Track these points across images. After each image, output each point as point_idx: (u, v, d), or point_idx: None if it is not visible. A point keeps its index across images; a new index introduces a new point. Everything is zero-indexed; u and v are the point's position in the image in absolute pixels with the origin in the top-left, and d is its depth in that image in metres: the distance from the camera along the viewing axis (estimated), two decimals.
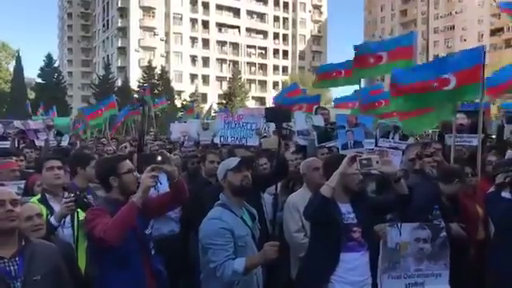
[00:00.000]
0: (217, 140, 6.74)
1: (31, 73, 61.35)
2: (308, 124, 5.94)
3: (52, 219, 3.13)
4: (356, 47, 6.49)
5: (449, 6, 66.90)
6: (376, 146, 5.37)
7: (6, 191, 2.22)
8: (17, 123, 9.31)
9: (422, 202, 3.55)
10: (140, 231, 2.82)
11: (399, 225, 3.20)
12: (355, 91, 8.98)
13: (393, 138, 5.51)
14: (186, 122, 9.49)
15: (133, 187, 2.86)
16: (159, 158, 2.85)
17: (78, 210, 3.25)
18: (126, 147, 7.32)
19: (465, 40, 64.63)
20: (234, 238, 2.77)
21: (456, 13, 66.07)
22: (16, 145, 8.30)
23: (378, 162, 2.80)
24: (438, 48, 65.57)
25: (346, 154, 2.98)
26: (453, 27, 66.63)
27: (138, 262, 2.78)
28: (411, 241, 3.21)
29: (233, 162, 3.00)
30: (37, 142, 8.82)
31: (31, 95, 50.14)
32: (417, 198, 3.32)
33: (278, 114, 3.03)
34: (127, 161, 2.99)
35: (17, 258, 2.12)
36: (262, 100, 67.94)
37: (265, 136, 7.07)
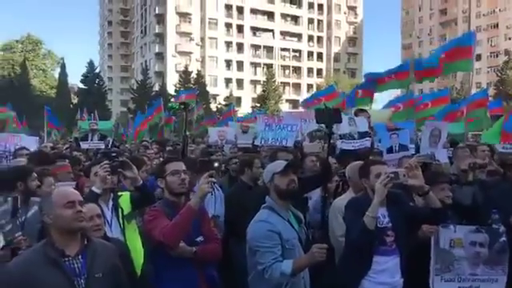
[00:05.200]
0: (258, 142, 6.79)
1: (74, 79, 64.12)
2: (351, 127, 5.83)
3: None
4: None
5: (491, 4, 64.07)
6: (417, 152, 5.24)
7: (75, 192, 2.33)
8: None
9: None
10: (192, 237, 2.88)
11: (454, 226, 3.15)
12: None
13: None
14: (227, 126, 9.62)
15: (177, 188, 2.95)
16: (216, 165, 2.90)
17: (122, 207, 3.35)
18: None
19: (509, 38, 61.77)
20: (281, 240, 2.78)
21: (500, 10, 63.18)
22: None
23: (404, 176, 3.00)
24: (482, 47, 62.89)
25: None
26: (496, 25, 63.76)
27: (190, 265, 2.85)
28: (466, 243, 3.15)
29: (280, 165, 3.00)
30: (82, 146, 9.20)
31: (74, 100, 52.43)
32: None
33: (329, 116, 2.99)
34: (175, 162, 3.08)
35: (80, 257, 2.21)
36: (295, 103, 67.67)
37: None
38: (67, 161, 5.60)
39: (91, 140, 9.59)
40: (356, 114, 6.67)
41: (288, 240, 2.81)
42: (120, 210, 3.39)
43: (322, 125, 6.64)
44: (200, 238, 2.95)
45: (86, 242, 2.26)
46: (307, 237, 3.19)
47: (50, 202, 2.24)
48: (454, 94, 34.25)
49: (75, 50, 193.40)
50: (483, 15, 65.06)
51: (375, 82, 8.39)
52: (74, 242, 2.23)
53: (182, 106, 5.64)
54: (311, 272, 3.07)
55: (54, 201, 2.23)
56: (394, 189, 3.17)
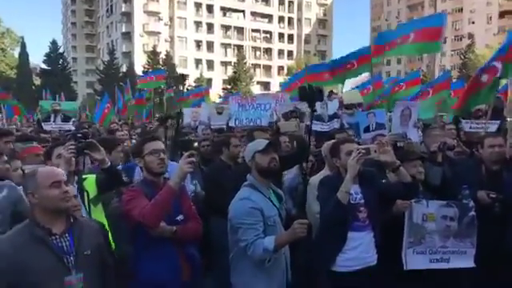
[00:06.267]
0: (232, 123, 6.77)
1: (36, 59, 61.28)
2: (323, 110, 5.91)
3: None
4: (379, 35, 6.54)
5: None
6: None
7: (60, 172, 2.28)
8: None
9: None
10: (172, 216, 2.86)
11: (426, 201, 3.28)
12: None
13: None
14: (199, 107, 9.53)
15: (157, 168, 2.91)
16: (195, 144, 2.87)
17: (88, 190, 3.24)
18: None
19: (473, 23, 63.64)
20: (263, 217, 2.82)
21: None
22: None
23: (375, 151, 3.09)
24: (446, 31, 64.21)
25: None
26: (461, 9, 65.50)
27: (171, 244, 2.84)
28: (438, 216, 3.28)
29: (261, 143, 3.02)
30: (45, 127, 8.84)
31: (36, 81, 50.27)
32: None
33: (312, 94, 3.04)
34: (154, 142, 3.02)
35: (66, 235, 2.20)
36: (266, 85, 67.59)
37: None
38: (34, 143, 5.39)
39: (54, 121, 9.22)
40: (329, 95, 6.77)
41: (269, 217, 2.85)
42: (86, 193, 3.25)
43: (297, 105, 6.74)
44: (180, 217, 2.92)
45: (71, 221, 2.25)
46: (287, 213, 3.25)
47: (35, 182, 2.18)
48: (421, 77, 35.10)
49: (36, 29, 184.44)
50: None
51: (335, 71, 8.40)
52: (60, 220, 2.21)
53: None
54: (290, 248, 3.13)
55: (39, 181, 2.17)
56: (366, 167, 3.27)
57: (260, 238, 2.72)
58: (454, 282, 3.67)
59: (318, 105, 6.03)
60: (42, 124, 9.22)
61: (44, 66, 50.13)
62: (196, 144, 2.98)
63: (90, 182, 3.30)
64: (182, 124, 8.34)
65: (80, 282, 2.16)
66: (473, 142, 5.23)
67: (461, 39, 63.24)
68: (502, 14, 61.29)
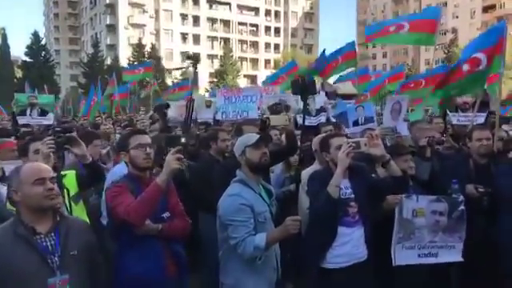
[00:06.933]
0: (218, 116, 6.69)
1: (16, 51, 59.74)
2: (311, 103, 5.88)
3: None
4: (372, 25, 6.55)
5: None
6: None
7: (46, 168, 2.16)
8: None
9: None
10: (158, 214, 2.76)
11: (416, 196, 3.25)
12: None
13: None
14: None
15: (143, 163, 2.80)
16: (183, 140, 2.78)
17: (68, 187, 3.08)
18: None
19: (457, 17, 64.41)
20: (253, 214, 2.75)
21: None
22: None
23: (365, 145, 3.06)
24: None
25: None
26: (445, 4, 66.12)
27: (156, 242, 2.74)
28: (427, 211, 3.26)
29: (252, 138, 2.94)
30: (20, 121, 8.57)
31: (18, 74, 49.11)
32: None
33: (305, 87, 2.98)
34: (139, 135, 2.91)
35: (52, 234, 2.11)
36: (253, 78, 67.40)
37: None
38: (13, 138, 5.24)
39: (30, 115, 8.93)
40: (323, 85, 6.76)
41: (260, 213, 2.78)
42: (66, 190, 3.08)
43: (282, 98, 6.71)
44: (166, 214, 2.82)
45: (58, 219, 2.15)
46: (276, 210, 3.18)
47: (18, 178, 2.08)
48: (405, 71, 35.45)
49: (17, 21, 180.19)
50: None
51: (324, 71, 8.30)
52: (46, 219, 2.11)
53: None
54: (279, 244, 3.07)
55: (21, 177, 2.07)
56: (356, 161, 3.23)
57: (251, 236, 2.65)
58: (442, 274, 3.69)
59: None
60: (17, 118, 8.92)
61: (25, 59, 48.95)
62: (183, 140, 2.87)
63: (70, 178, 3.15)
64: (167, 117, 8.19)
65: (64, 285, 2.07)
66: (461, 135, 5.26)
67: (445, 33, 63.79)
68: (485, 9, 62.22)
